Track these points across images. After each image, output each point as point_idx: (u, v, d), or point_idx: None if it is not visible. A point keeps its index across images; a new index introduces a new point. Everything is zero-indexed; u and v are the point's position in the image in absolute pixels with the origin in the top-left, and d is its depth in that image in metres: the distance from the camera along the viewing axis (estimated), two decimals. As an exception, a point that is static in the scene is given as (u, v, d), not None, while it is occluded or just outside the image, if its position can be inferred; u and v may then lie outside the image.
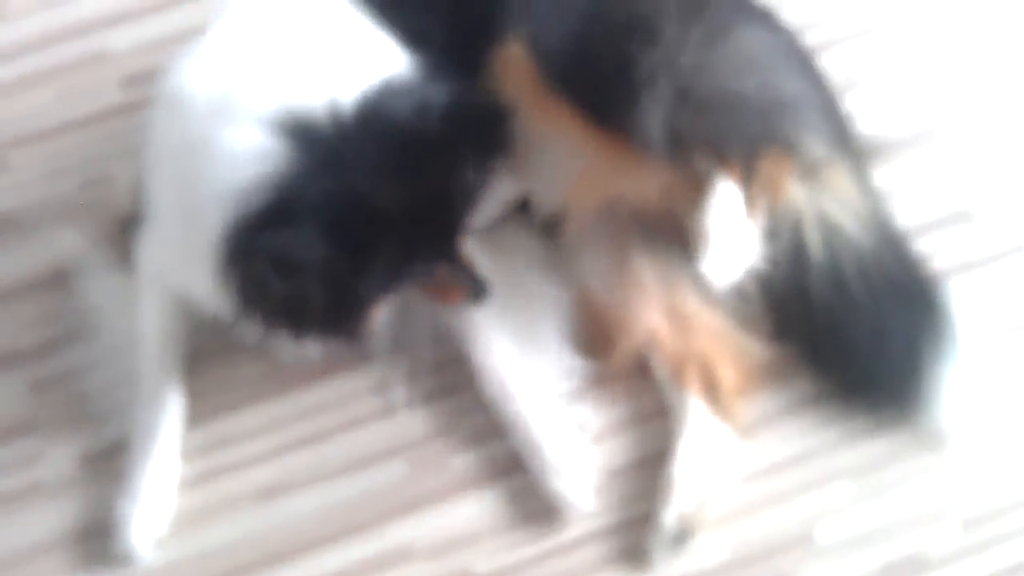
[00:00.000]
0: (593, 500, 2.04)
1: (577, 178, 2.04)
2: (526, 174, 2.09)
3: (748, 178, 1.95)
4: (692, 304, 2.13)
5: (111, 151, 2.42)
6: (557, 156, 2.03)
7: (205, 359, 2.19)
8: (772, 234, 2.04)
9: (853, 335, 2.09)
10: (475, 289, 1.92)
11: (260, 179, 1.67)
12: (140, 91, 2.46)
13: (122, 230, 2.20)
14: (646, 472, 2.09)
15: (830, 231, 2.07)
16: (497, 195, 2.09)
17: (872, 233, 2.10)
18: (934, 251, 2.22)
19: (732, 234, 1.94)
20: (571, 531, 2.05)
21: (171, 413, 2.10)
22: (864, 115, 2.26)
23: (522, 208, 2.18)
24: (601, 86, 1.94)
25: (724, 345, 2.12)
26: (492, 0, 2.00)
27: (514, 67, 1.98)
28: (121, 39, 2.57)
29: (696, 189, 1.96)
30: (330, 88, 1.73)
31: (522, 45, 1.97)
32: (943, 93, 2.44)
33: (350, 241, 1.67)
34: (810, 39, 2.21)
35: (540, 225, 2.20)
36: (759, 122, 1.97)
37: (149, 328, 2.13)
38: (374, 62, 1.86)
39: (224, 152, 1.72)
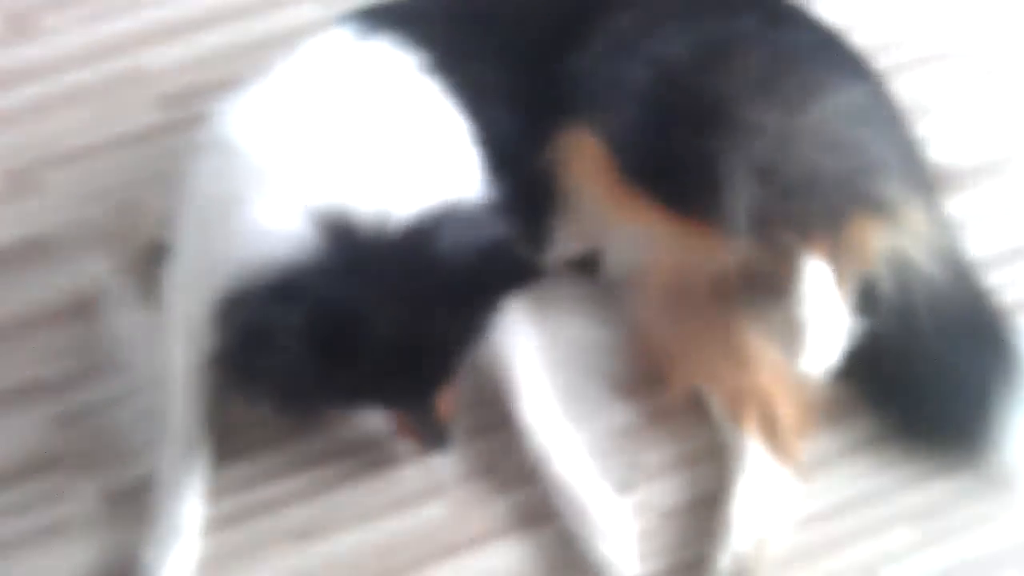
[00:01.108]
0: (637, 565, 1.94)
1: (654, 260, 2.02)
2: (603, 250, 2.12)
3: (835, 250, 1.91)
4: (751, 339, 2.04)
5: (146, 175, 2.38)
6: (632, 240, 2.03)
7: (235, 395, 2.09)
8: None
9: (920, 372, 2.01)
10: (432, 442, 1.91)
11: (279, 261, 1.65)
12: (178, 111, 2.44)
13: (150, 259, 2.14)
14: (699, 514, 2.00)
15: (901, 265, 1.99)
16: (558, 248, 2.08)
17: (943, 267, 2.01)
18: (1006, 283, 2.14)
19: (828, 319, 1.89)
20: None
21: (198, 448, 2.03)
22: (937, 142, 2.19)
23: (581, 266, 2.15)
24: (679, 178, 1.92)
25: (784, 382, 2.02)
26: (556, 85, 1.99)
27: (585, 156, 1.97)
28: (158, 57, 2.54)
29: (776, 259, 1.93)
30: (388, 196, 1.71)
31: (593, 134, 1.96)
32: (1017, 121, 2.38)
33: (328, 351, 1.64)
34: (884, 61, 2.16)
35: (584, 266, 2.15)
36: (842, 192, 1.93)
37: (176, 363, 2.05)
38: (445, 176, 1.84)
39: (256, 221, 1.71)
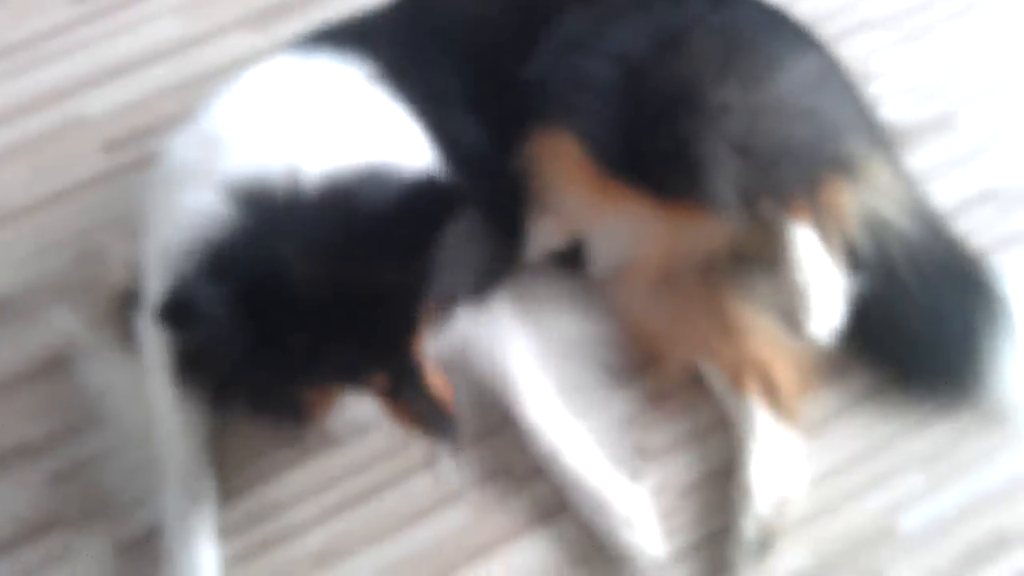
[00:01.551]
0: (663, 545, 1.97)
1: (643, 248, 2.05)
2: (587, 245, 2.13)
3: (815, 214, 1.97)
4: (742, 310, 2.09)
5: (101, 221, 2.33)
6: (618, 232, 2.06)
7: (232, 427, 2.06)
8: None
9: (908, 323, 2.07)
10: (433, 423, 1.77)
11: (205, 240, 1.63)
12: (125, 154, 2.40)
13: (120, 305, 2.10)
14: (715, 487, 2.04)
15: (875, 223, 2.05)
16: (538, 243, 2.09)
17: (915, 220, 2.08)
18: (973, 229, 2.22)
19: (825, 282, 1.95)
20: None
21: (201, 491, 1.98)
22: (886, 102, 2.27)
23: (563, 260, 2.16)
24: (659, 165, 1.96)
25: (778, 347, 2.07)
26: (518, 89, 2.01)
27: (561, 156, 2.00)
28: (97, 102, 2.48)
29: (760, 232, 1.99)
30: (308, 163, 1.68)
31: (567, 135, 1.99)
32: (957, 76, 2.47)
33: (259, 316, 1.57)
34: (828, 29, 2.23)
35: (565, 260, 2.17)
36: (813, 157, 2.00)
37: (163, 406, 2.01)
38: (381, 149, 1.83)
39: (182, 212, 1.70)
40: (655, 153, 1.96)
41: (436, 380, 1.79)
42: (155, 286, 1.80)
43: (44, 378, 2.14)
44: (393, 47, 2.04)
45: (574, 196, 2.03)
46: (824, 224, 2.00)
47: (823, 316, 1.94)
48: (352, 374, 1.72)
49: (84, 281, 2.23)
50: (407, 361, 1.74)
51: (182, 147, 1.88)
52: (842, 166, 2.01)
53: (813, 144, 2.00)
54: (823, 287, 1.94)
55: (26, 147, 2.43)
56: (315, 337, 1.61)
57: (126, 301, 2.06)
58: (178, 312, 1.53)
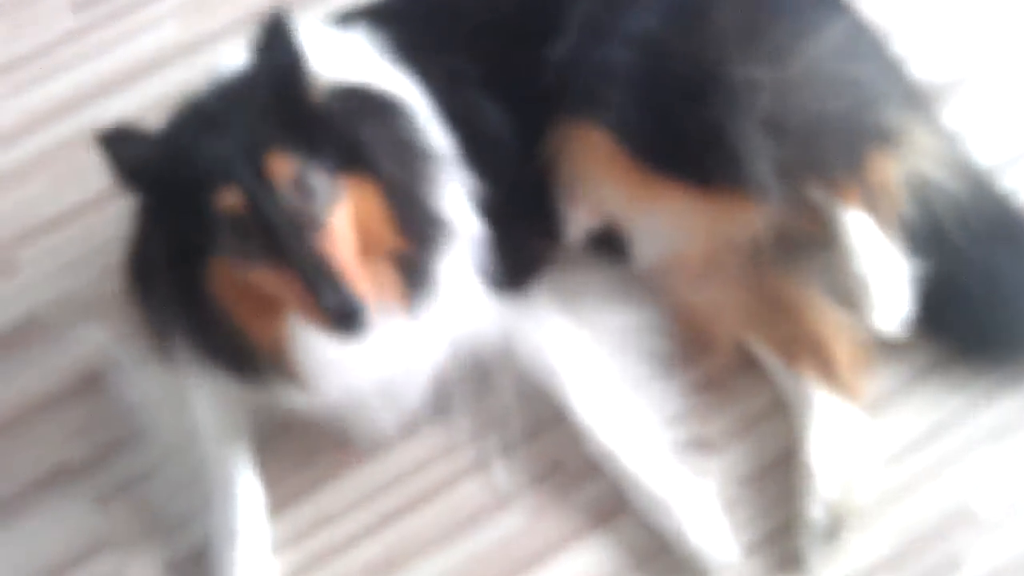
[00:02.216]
0: (735, 548, 1.91)
1: (687, 237, 1.99)
2: (627, 237, 2.06)
3: (864, 193, 1.92)
4: (793, 287, 2.03)
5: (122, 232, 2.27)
6: (659, 223, 1.99)
7: (277, 438, 2.04)
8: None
9: (964, 286, 2.00)
10: (333, 306, 1.56)
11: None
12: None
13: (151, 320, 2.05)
14: (778, 474, 1.98)
15: (920, 186, 1.99)
16: (573, 229, 2.04)
17: (960, 179, 2.02)
18: (1019, 187, 2.15)
19: (888, 271, 1.90)
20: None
21: (251, 505, 1.95)
22: (913, 61, 2.16)
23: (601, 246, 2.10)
24: (693, 153, 1.90)
25: (833, 322, 2.01)
26: (539, 75, 1.96)
27: (593, 150, 1.94)
28: (109, 111, 2.43)
29: (807, 215, 1.94)
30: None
31: (596, 128, 1.93)
32: (984, 29, 2.41)
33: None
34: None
35: (604, 248, 2.11)
36: (853, 131, 1.94)
37: (205, 418, 1.98)
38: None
39: None
40: (688, 140, 1.90)
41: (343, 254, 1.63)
42: None
43: (80, 397, 2.11)
44: (408, 27, 2.00)
45: (610, 189, 1.98)
46: (876, 203, 1.94)
47: (889, 306, 1.89)
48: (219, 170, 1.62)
49: (113, 294, 2.16)
50: (269, 190, 1.61)
51: None
52: (885, 137, 1.95)
53: (852, 117, 1.94)
54: (885, 276, 1.89)
55: (42, 162, 2.39)
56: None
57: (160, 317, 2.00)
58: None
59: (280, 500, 1.99)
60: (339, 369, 1.77)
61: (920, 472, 1.97)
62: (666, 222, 1.99)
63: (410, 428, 2.01)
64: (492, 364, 2.02)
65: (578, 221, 2.07)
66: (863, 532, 1.90)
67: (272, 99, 1.65)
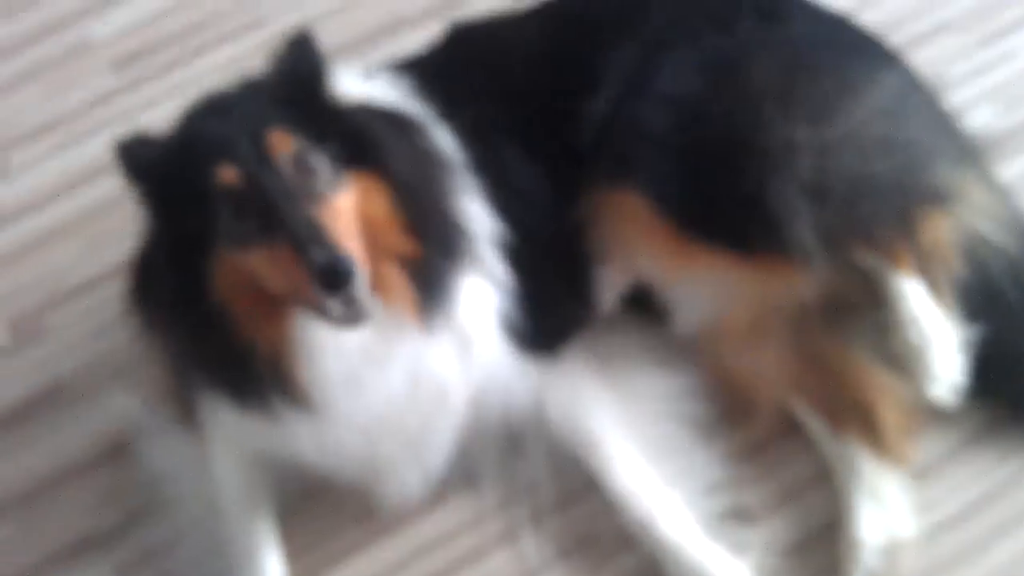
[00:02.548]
0: None
1: (729, 304, 1.93)
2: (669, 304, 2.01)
3: (918, 257, 1.86)
4: (837, 348, 1.96)
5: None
6: (700, 290, 1.94)
7: (299, 511, 2.00)
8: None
9: (1014, 346, 1.93)
10: (316, 255, 1.51)
11: None
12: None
13: (176, 386, 2.02)
14: (822, 543, 1.90)
15: (971, 242, 1.93)
16: (608, 293, 1.99)
17: (1014, 236, 1.95)
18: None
19: (941, 338, 1.84)
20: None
21: (272, 574, 1.91)
22: (969, 110, 2.14)
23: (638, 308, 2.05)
24: (733, 219, 1.86)
25: (878, 385, 1.94)
26: (576, 133, 1.94)
27: (634, 217, 1.90)
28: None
29: (858, 279, 1.89)
30: None
31: (637, 195, 1.89)
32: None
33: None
34: (899, 36, 2.11)
35: (642, 310, 2.05)
36: (902, 193, 1.88)
37: (229, 488, 1.95)
38: None
39: None
40: (726, 206, 1.86)
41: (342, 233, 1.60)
42: None
43: (104, 466, 2.10)
44: (442, 78, 1.98)
45: (648, 255, 1.94)
46: (928, 266, 1.88)
47: (942, 375, 1.83)
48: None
49: (139, 361, 2.15)
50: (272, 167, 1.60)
51: None
52: (936, 197, 1.89)
53: (899, 178, 1.88)
54: (938, 344, 1.83)
55: (74, 224, 2.40)
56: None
57: (184, 380, 1.97)
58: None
59: (303, 573, 1.95)
60: (347, 387, 1.71)
61: (971, 542, 1.89)
62: (706, 289, 1.94)
63: (436, 496, 1.96)
64: (522, 429, 1.97)
65: (613, 286, 2.02)
66: (911, 606, 1.80)
67: (285, 91, 1.66)
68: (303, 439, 1.75)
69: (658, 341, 2.03)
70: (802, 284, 1.88)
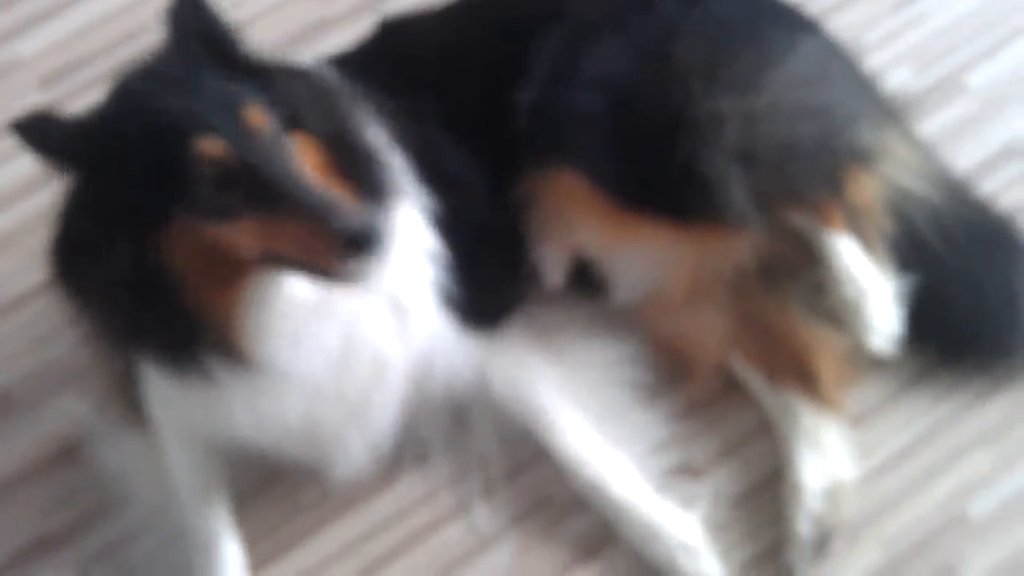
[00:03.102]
0: (720, 567, 1.90)
1: (669, 271, 2.00)
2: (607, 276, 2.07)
3: (847, 213, 1.94)
4: (770, 304, 2.03)
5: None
6: (643, 259, 2.00)
7: (253, 498, 2.04)
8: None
9: (946, 294, 2.01)
10: (347, 221, 1.53)
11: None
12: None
13: (123, 385, 2.03)
14: (767, 492, 1.98)
15: (896, 196, 2.01)
16: (552, 267, 2.04)
17: (936, 187, 2.04)
18: (998, 190, 2.18)
19: (877, 292, 1.92)
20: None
21: (231, 564, 1.94)
22: (887, 72, 2.23)
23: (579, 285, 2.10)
24: (671, 189, 1.92)
25: (812, 337, 2.01)
26: (507, 119, 1.98)
27: (573, 194, 1.96)
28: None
29: (791, 240, 1.97)
30: None
31: (575, 174, 1.95)
32: (955, 37, 2.45)
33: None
34: (817, 4, 2.19)
35: (578, 286, 2.10)
36: (825, 153, 1.96)
37: (183, 479, 1.97)
38: None
39: None
40: (661, 177, 1.92)
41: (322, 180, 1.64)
42: None
43: (58, 467, 2.10)
44: (373, 71, 1.99)
45: (587, 229, 1.99)
46: (858, 222, 1.96)
47: (880, 326, 1.91)
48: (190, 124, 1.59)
49: (85, 366, 2.18)
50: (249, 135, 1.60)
51: None
52: (860, 157, 1.97)
53: (824, 140, 1.96)
54: (874, 298, 1.91)
55: (10, 239, 2.40)
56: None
57: (128, 378, 2.00)
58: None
59: (262, 558, 1.98)
60: (288, 347, 1.72)
61: (912, 480, 1.96)
62: (646, 258, 1.99)
63: (387, 475, 2.01)
64: (468, 403, 2.01)
65: (555, 263, 2.06)
66: (855, 545, 1.90)
67: (213, 56, 1.66)
68: (243, 409, 1.77)
69: (597, 312, 2.08)
70: (738, 247, 1.94)
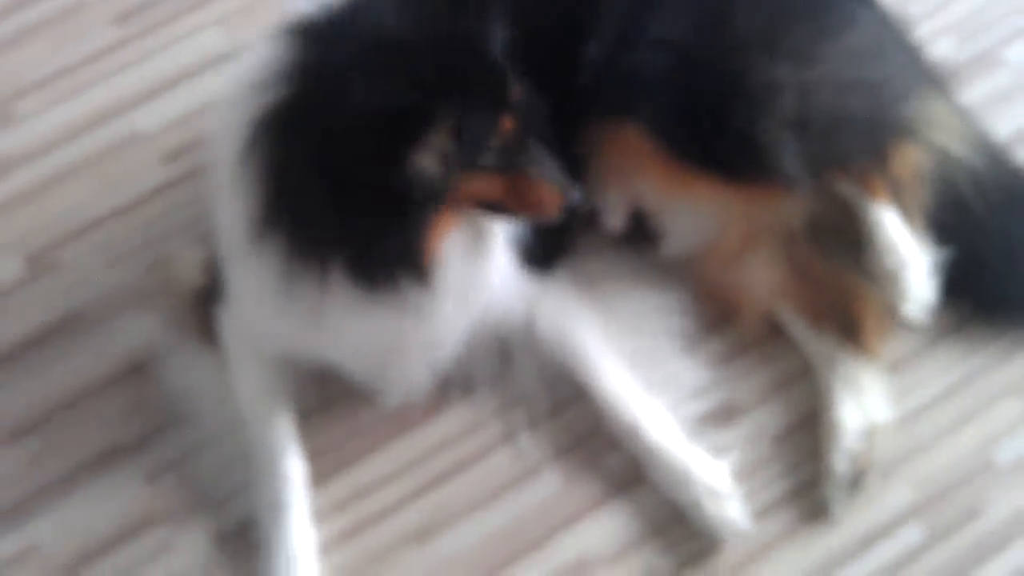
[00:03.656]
0: (749, 518, 1.98)
1: (720, 228, 2.08)
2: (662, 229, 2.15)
3: (890, 184, 2.02)
4: (814, 255, 2.12)
5: (165, 230, 2.37)
6: (696, 214, 2.08)
7: (315, 416, 2.11)
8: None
9: (983, 253, 2.10)
10: (558, 179, 1.77)
11: (274, 71, 1.67)
12: (183, 164, 2.43)
13: (195, 305, 2.14)
14: (806, 432, 2.06)
15: (939, 159, 2.09)
16: (612, 215, 2.13)
17: (976, 151, 2.11)
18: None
19: (914, 263, 2.01)
20: (751, 503, 2.00)
21: (294, 477, 2.01)
22: (932, 43, 2.31)
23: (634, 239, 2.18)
24: (727, 149, 1.99)
25: (855, 289, 2.10)
26: (574, 74, 2.04)
27: (635, 148, 2.03)
28: (149, 118, 2.52)
29: (836, 204, 2.06)
30: None
31: (637, 129, 2.02)
32: (995, 11, 2.51)
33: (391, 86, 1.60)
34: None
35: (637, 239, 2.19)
36: (873, 125, 2.04)
37: (250, 397, 2.05)
38: None
39: (237, 84, 1.75)
40: (719, 139, 1.99)
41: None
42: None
43: (129, 382, 2.18)
44: None
45: (645, 182, 2.07)
46: (901, 193, 2.04)
47: (916, 296, 1.99)
48: (490, 125, 1.71)
49: (157, 288, 2.26)
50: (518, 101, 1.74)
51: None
52: (907, 131, 2.05)
53: (874, 114, 2.03)
54: (912, 268, 2.00)
55: (86, 166, 2.46)
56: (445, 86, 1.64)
57: (201, 298, 2.11)
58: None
59: (321, 474, 2.06)
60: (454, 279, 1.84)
61: (944, 426, 2.04)
62: (700, 212, 2.08)
63: (438, 404, 2.10)
64: (515, 341, 2.08)
65: (616, 210, 2.15)
66: (886, 484, 1.98)
67: None
68: (347, 328, 1.84)
69: (645, 265, 2.16)
70: (787, 208, 2.03)
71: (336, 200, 1.66)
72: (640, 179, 2.06)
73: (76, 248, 2.36)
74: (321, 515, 2.01)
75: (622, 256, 2.18)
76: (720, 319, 2.14)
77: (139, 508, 2.05)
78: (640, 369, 2.07)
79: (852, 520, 1.96)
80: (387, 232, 1.69)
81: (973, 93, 2.34)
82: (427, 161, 1.64)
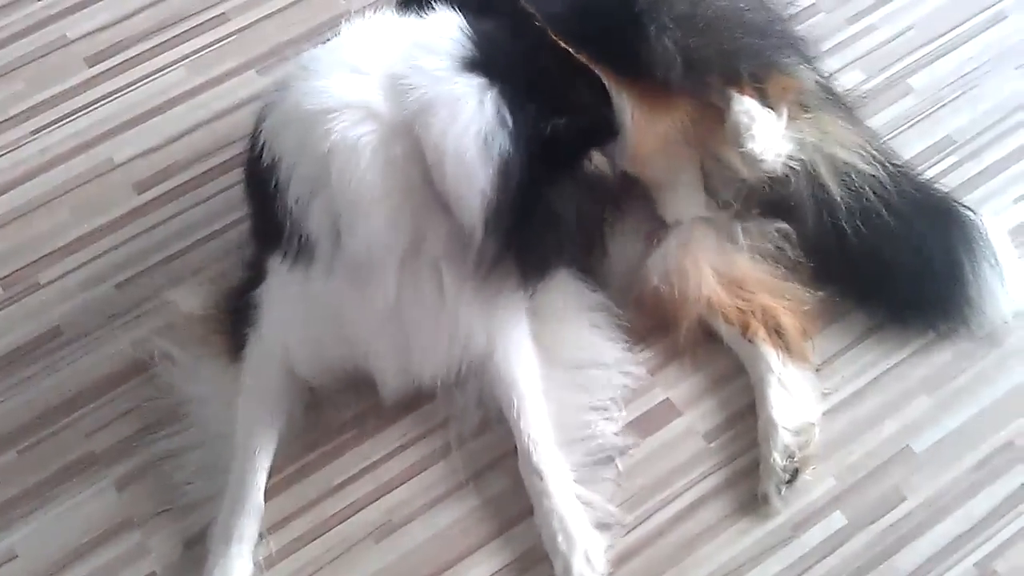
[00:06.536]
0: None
1: (634, 129, 2.00)
2: None
3: (760, 95, 1.98)
4: (741, 266, 2.11)
5: (141, 250, 2.32)
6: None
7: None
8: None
9: (895, 261, 2.07)
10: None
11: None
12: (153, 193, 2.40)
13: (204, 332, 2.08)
14: (741, 426, 2.03)
15: (845, 170, 2.08)
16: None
17: (882, 165, 2.10)
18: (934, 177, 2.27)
19: (764, 116, 1.96)
20: (688, 495, 1.97)
21: (255, 514, 1.93)
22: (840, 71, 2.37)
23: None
24: (609, 32, 1.95)
25: (779, 296, 2.09)
26: None
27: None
28: (124, 148, 2.47)
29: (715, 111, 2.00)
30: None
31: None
32: (904, 39, 2.53)
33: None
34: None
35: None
36: (761, 46, 2.03)
37: (247, 421, 1.97)
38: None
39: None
40: (603, 21, 1.97)
41: None
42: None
43: (106, 394, 2.13)
44: None
45: None
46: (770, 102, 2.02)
47: (764, 140, 1.94)
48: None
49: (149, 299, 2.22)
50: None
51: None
52: (792, 74, 2.06)
53: (766, 28, 2.05)
54: (762, 119, 1.95)
55: (61, 193, 2.41)
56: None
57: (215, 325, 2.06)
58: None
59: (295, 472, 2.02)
60: None
61: (865, 420, 2.02)
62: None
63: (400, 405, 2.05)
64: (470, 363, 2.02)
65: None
66: (817, 474, 1.95)
67: None
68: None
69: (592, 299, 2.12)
70: (676, 108, 2.00)
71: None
72: None
73: (51, 271, 2.30)
74: (297, 505, 1.99)
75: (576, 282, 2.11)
76: (656, 328, 2.11)
77: (111, 515, 1.98)
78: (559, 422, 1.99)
79: (785, 508, 1.92)
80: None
81: (883, 118, 2.36)
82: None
